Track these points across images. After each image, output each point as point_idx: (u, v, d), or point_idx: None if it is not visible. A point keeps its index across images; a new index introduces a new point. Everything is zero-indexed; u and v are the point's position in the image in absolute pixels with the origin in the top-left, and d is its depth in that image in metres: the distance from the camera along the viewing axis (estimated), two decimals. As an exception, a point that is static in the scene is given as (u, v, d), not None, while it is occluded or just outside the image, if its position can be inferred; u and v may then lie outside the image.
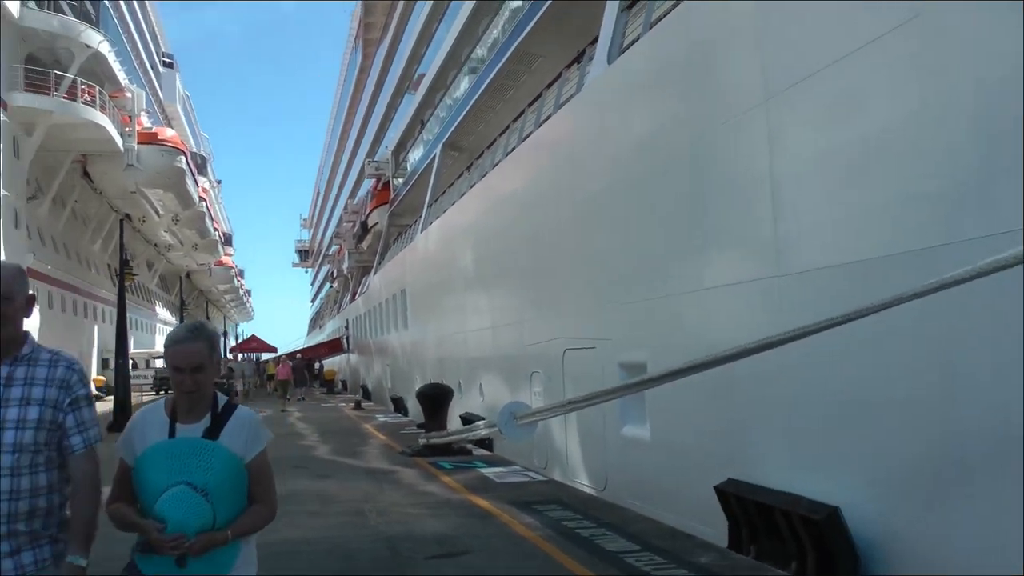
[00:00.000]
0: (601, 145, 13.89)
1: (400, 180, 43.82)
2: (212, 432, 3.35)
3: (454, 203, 25.58)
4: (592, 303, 14.12)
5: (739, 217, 9.74)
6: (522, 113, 20.06)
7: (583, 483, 13.98)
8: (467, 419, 20.31)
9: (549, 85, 18.14)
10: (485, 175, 22.06)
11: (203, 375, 3.34)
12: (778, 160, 8.94)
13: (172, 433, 3.38)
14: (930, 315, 6.66)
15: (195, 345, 3.34)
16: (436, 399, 16.02)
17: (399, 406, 34.10)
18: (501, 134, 22.21)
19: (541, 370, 16.56)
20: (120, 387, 23.24)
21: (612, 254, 13.24)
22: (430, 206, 30.83)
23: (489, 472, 12.77)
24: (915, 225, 7.06)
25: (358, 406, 31.89)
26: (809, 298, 8.34)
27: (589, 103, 14.65)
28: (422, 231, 30.78)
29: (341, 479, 12.41)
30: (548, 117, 17.08)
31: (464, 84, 29.52)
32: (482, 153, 24.24)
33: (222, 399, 3.43)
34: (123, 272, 23.98)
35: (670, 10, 11.42)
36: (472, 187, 23.30)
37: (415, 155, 39.71)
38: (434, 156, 32.46)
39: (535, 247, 17.07)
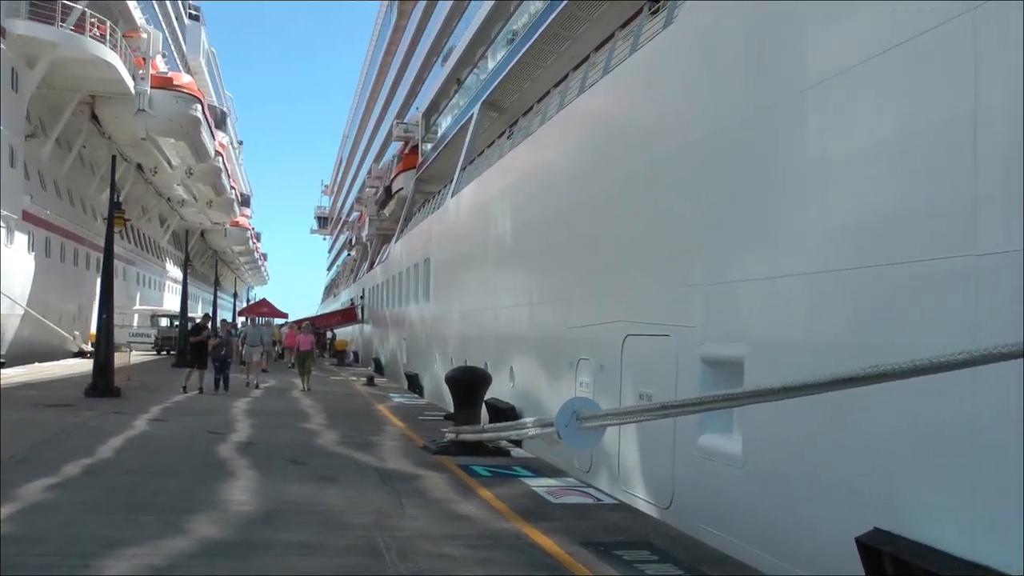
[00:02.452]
0: (692, 86, 11.27)
1: (429, 145, 41.49)
2: None
3: (492, 166, 22.97)
4: (667, 281, 11.52)
5: (902, 172, 7.15)
6: (584, 60, 17.37)
7: (639, 496, 11.48)
8: (493, 406, 17.83)
9: (623, 26, 15.42)
10: (531, 134, 19.50)
11: None
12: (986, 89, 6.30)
13: None
14: None
15: None
16: (469, 386, 13.14)
17: (414, 384, 31.81)
18: (555, 87, 19.56)
19: (591, 357, 14.03)
20: (101, 346, 19.72)
21: (701, 222, 10.65)
22: (463, 169, 28.28)
23: (537, 485, 9.97)
24: None
25: (371, 382, 29.33)
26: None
27: (674, 40, 11.97)
28: (452, 196, 28.22)
29: (349, 486, 9.57)
30: (619, 63, 14.42)
31: (509, 37, 26.78)
32: (530, 109, 21.60)
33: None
34: (112, 213, 20.59)
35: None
36: (515, 148, 20.69)
37: (448, 118, 37.17)
38: (471, 116, 29.94)
39: (590, 215, 14.53)
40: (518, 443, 13.93)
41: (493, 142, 25.54)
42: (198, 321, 23.62)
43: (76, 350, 37.38)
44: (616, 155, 13.60)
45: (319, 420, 16.50)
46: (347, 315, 60.68)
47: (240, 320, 61.81)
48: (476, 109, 29.35)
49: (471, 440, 11.94)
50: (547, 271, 17.00)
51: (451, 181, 29.95)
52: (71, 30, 32.18)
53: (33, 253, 33.77)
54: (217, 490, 8.93)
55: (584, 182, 14.99)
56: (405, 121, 47.57)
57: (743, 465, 9.19)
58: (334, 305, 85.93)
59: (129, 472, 10.00)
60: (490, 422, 15.83)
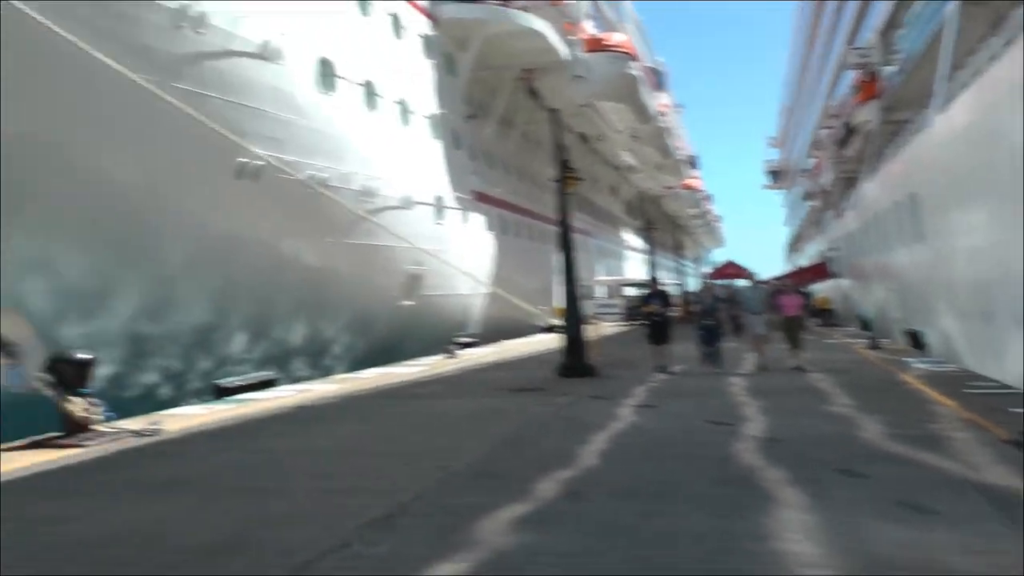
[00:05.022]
0: None
1: (890, 68, 36.38)
2: None
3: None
4: None
5: None
6: None
7: None
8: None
9: None
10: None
11: None
12: None
13: None
14: None
15: None
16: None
17: (916, 342, 27.36)
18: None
19: None
20: (571, 319, 18.03)
21: None
22: (950, 79, 23.54)
23: None
24: None
25: (875, 345, 25.36)
26: None
27: None
28: (942, 114, 23.62)
29: (955, 527, 6.00)
30: None
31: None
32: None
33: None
34: (563, 172, 18.65)
35: None
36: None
37: (913, 27, 31.94)
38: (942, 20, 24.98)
39: None
40: None
41: (985, 35, 20.71)
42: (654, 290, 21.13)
43: (545, 325, 37.15)
44: None
45: (842, 400, 13.13)
46: (817, 271, 56.10)
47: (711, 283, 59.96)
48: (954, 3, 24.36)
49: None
50: None
51: (929, 98, 25.25)
52: (497, 3, 32.08)
53: (493, 232, 34.43)
54: (761, 529, 6.00)
55: None
56: (858, 45, 42.56)
57: None
58: (799, 260, 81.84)
59: (625, 494, 7.33)
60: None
